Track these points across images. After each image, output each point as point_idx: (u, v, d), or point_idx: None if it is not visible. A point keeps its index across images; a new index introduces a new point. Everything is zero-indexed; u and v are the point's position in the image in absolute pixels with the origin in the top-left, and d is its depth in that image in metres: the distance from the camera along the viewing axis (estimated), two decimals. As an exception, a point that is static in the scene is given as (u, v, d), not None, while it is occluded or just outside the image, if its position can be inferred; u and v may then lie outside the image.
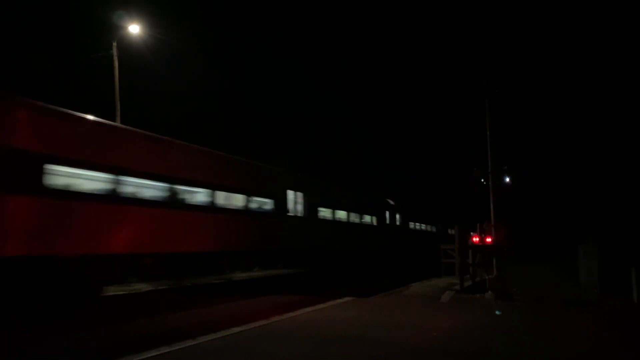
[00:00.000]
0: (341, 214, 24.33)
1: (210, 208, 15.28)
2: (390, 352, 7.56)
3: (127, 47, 21.95)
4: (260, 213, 17.83)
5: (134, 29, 21.35)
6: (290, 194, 19.68)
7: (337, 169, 46.46)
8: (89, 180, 11.65)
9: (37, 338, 8.91)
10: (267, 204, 18.29)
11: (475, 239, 15.06)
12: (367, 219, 27.45)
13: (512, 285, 14.76)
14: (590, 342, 8.66)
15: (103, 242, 11.82)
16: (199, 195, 15.00)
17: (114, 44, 21.49)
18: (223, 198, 15.90)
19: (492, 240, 14.64)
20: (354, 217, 25.78)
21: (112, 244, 12.05)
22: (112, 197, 12.08)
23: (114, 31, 21.61)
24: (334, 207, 23.52)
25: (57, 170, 10.90)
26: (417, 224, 38.57)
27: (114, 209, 12.09)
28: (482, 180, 14.93)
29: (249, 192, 17.12)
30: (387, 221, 30.29)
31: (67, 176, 11.15)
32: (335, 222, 23.58)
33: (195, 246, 14.64)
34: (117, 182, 12.26)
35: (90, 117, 12.45)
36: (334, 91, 69.74)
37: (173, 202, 13.97)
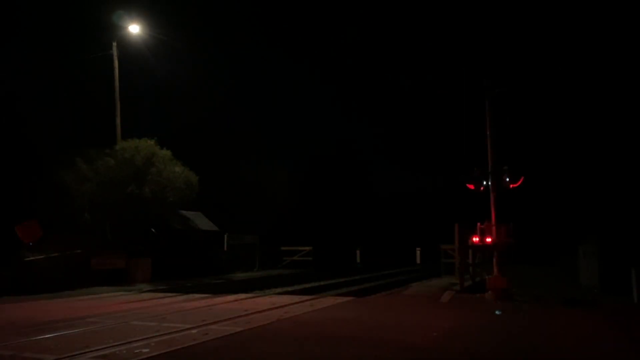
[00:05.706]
0: None
1: None
2: (389, 352, 7.56)
3: (127, 47, 21.95)
4: None
5: (134, 29, 21.35)
6: None
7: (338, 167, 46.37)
8: None
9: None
10: None
11: (475, 239, 15.02)
12: None
13: (512, 285, 14.74)
14: (591, 342, 8.66)
15: None
16: None
17: (114, 43, 21.49)
18: None
19: (492, 240, 14.61)
20: None
21: None
22: None
23: (114, 31, 21.62)
24: None
25: None
26: None
27: None
28: (483, 180, 14.91)
29: None
30: None
31: None
32: None
33: None
34: None
35: None
36: (334, 88, 69.68)
37: None
